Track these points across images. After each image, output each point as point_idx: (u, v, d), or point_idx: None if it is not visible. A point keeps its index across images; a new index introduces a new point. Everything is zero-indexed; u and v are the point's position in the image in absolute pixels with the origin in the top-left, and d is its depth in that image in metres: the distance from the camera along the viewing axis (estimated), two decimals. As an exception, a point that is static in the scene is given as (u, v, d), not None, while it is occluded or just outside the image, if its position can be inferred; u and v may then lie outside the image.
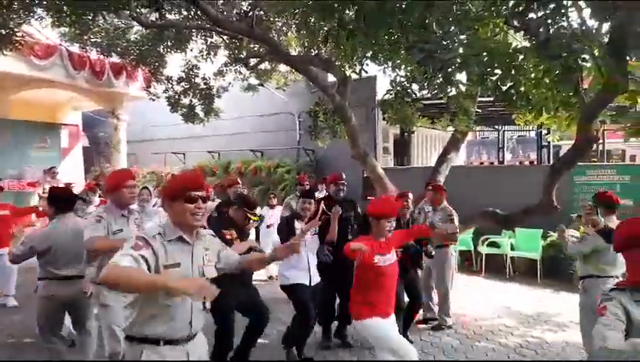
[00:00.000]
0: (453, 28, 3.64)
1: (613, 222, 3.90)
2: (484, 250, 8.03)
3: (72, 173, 11.69)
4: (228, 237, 3.76)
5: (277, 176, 11.34)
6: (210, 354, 3.70)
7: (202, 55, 8.59)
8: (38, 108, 11.80)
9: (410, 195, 4.82)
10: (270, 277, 7.17)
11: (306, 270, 4.24)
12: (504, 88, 3.81)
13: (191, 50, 8.59)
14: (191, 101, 8.91)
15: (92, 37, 7.93)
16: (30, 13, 6.90)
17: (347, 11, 4.44)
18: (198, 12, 7.14)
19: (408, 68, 5.01)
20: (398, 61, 4.79)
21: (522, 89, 4.00)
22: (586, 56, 3.30)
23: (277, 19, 7.91)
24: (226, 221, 4.03)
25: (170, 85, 8.79)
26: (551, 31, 3.32)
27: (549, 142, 11.32)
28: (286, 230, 4.27)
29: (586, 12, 3.76)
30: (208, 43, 8.53)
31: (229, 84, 9.31)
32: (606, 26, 3.66)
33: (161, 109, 9.54)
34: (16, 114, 10.78)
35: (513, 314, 5.90)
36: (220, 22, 6.37)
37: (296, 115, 12.08)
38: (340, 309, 4.70)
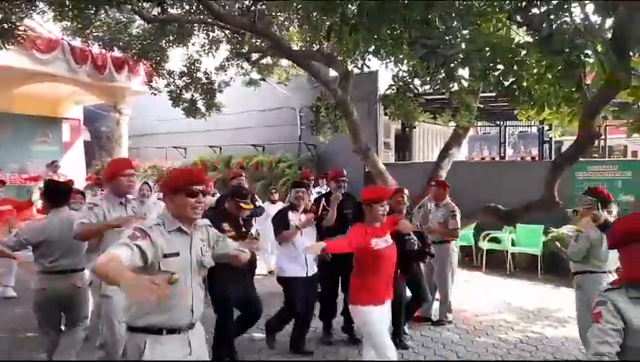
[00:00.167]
0: (455, 23, 3.63)
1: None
2: (485, 245, 8.04)
3: (73, 167, 11.73)
4: (227, 231, 3.81)
5: (278, 171, 11.34)
6: (210, 344, 3.79)
7: (204, 49, 8.58)
8: (40, 102, 11.81)
9: (406, 191, 4.81)
10: (270, 272, 7.20)
11: (302, 262, 4.29)
12: (506, 84, 3.80)
13: (193, 44, 8.58)
14: (192, 95, 8.90)
15: (94, 31, 7.93)
16: (32, 7, 6.90)
17: (350, 6, 4.44)
18: (200, 6, 7.14)
19: (410, 63, 5.00)
20: (401, 56, 4.78)
21: (525, 84, 3.99)
22: (589, 52, 3.29)
23: (279, 13, 7.90)
24: (221, 214, 4.08)
25: (171, 80, 8.78)
26: (554, 26, 3.31)
27: (550, 138, 11.30)
28: (280, 222, 4.34)
29: (589, 7, 3.75)
30: (210, 37, 8.53)
31: (231, 78, 9.31)
32: (609, 22, 3.65)
33: (163, 104, 9.54)
34: (18, 108, 10.81)
35: (513, 309, 5.92)
36: (222, 16, 6.36)
37: (297, 110, 12.07)
38: (345, 304, 4.72)
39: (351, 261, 3.43)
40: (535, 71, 4.09)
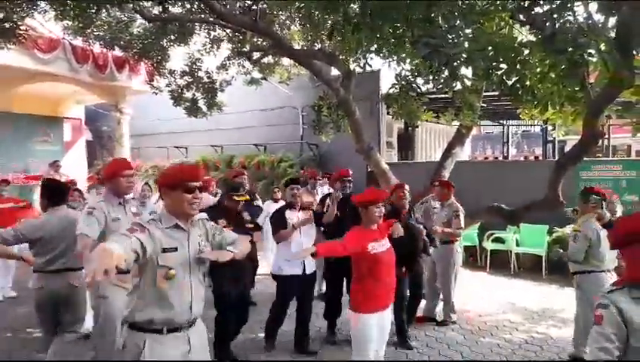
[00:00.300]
0: (458, 22, 3.61)
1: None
2: (489, 245, 8.01)
3: (75, 166, 11.74)
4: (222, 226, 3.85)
5: (280, 171, 11.32)
6: (212, 342, 3.79)
7: (205, 49, 8.54)
8: (41, 101, 11.81)
9: (407, 187, 4.78)
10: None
11: (299, 261, 4.29)
12: (509, 83, 3.78)
13: (194, 43, 8.56)
14: (194, 95, 8.88)
15: (95, 30, 7.89)
16: (34, 6, 6.89)
17: (352, 5, 4.41)
18: (202, 5, 7.12)
19: (413, 62, 4.97)
20: (403, 55, 4.75)
21: (528, 83, 3.96)
22: (592, 51, 3.26)
23: (280, 12, 7.87)
24: (219, 211, 4.13)
25: (173, 79, 8.75)
26: (557, 25, 3.28)
27: (554, 138, 11.27)
28: (278, 221, 4.36)
29: (593, 6, 3.72)
30: (211, 36, 8.49)
31: (232, 77, 9.27)
32: (612, 21, 3.62)
33: (164, 103, 9.53)
34: (19, 107, 10.82)
35: (518, 309, 5.89)
36: (223, 15, 6.33)
37: (299, 109, 12.05)
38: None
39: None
40: (538, 70, 4.06)
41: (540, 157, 11.47)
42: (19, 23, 6.82)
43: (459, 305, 5.48)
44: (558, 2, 3.37)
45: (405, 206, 4.66)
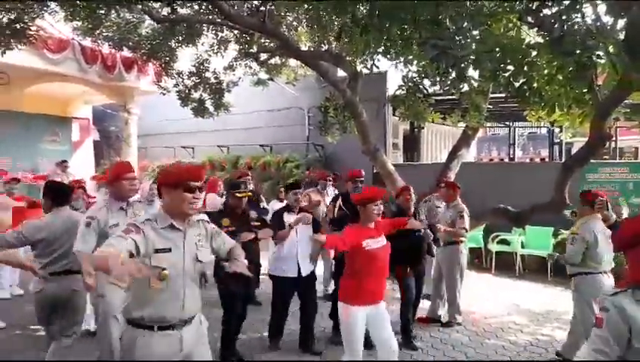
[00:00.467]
0: (466, 24, 3.62)
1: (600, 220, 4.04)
2: (494, 247, 8.00)
3: (82, 166, 11.82)
4: (225, 226, 3.93)
5: (286, 171, 11.34)
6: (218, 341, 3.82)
7: (213, 49, 8.60)
8: (51, 101, 11.91)
9: (412, 189, 4.84)
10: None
11: (294, 262, 4.34)
12: (517, 84, 3.79)
13: (202, 44, 8.61)
14: (201, 95, 8.93)
15: (104, 31, 7.97)
16: (44, 7, 6.97)
17: (359, 7, 4.44)
18: (209, 6, 7.17)
19: (420, 64, 4.99)
20: (410, 57, 4.77)
21: (535, 85, 3.97)
22: (601, 53, 3.27)
23: (288, 14, 7.91)
24: (224, 211, 4.24)
25: (180, 79, 8.81)
26: (565, 27, 3.29)
27: (560, 139, 11.22)
28: (276, 222, 4.43)
29: (601, 8, 3.72)
30: (219, 37, 8.54)
31: (239, 78, 9.32)
32: (621, 23, 3.62)
33: (171, 103, 9.59)
34: (28, 107, 10.91)
35: (523, 311, 5.88)
36: (232, 16, 6.37)
37: (305, 110, 12.07)
38: None
39: None
40: (546, 72, 4.06)
41: (546, 159, 11.41)
42: (29, 24, 6.90)
43: (464, 307, 5.47)
44: (567, 4, 3.38)
45: (411, 208, 4.71)
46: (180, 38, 8.19)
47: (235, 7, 7.19)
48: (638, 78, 3.68)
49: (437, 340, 4.86)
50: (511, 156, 12.35)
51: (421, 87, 5.90)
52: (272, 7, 7.11)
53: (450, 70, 3.44)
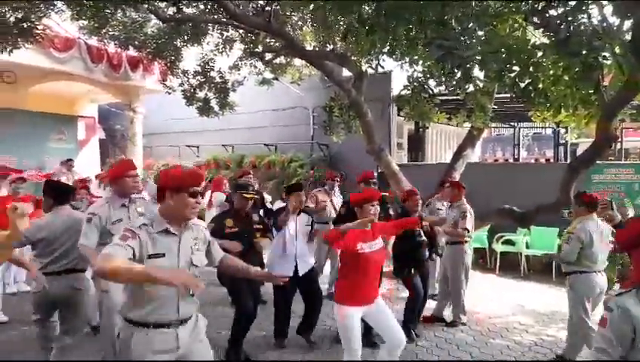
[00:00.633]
0: (471, 24, 3.62)
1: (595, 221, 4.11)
2: (498, 247, 7.99)
3: (88, 164, 11.86)
4: (228, 227, 4.03)
5: (290, 171, 11.37)
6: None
7: (218, 49, 8.64)
8: (57, 100, 11.96)
9: (418, 193, 4.90)
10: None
11: (292, 261, 4.38)
12: (522, 85, 3.79)
13: (207, 43, 8.64)
14: (206, 95, 8.99)
15: (110, 30, 8.02)
16: (51, 6, 7.02)
17: (365, 7, 4.45)
18: (215, 6, 7.19)
19: (426, 64, 4.99)
20: (416, 57, 4.78)
21: (540, 86, 3.97)
22: (607, 54, 3.26)
23: (293, 13, 7.92)
24: (228, 212, 4.29)
25: (185, 79, 8.87)
26: (571, 28, 3.29)
27: (566, 140, 11.18)
28: (280, 212, 4.51)
29: (608, 9, 3.71)
30: (224, 37, 8.58)
31: (244, 78, 9.35)
32: (628, 24, 3.61)
33: (177, 102, 9.64)
34: (34, 105, 10.95)
35: (528, 312, 5.88)
36: (237, 16, 6.40)
37: (310, 110, 12.09)
38: None
39: None
40: (551, 72, 4.06)
41: (551, 160, 11.38)
42: (36, 23, 6.95)
43: (468, 307, 5.47)
44: (573, 4, 3.37)
45: (418, 211, 4.77)
46: (186, 38, 8.24)
47: (241, 7, 7.21)
48: (644, 78, 3.68)
49: (441, 340, 4.87)
50: (515, 157, 12.32)
51: (426, 87, 5.90)
52: (278, 6, 7.12)
53: (456, 70, 3.45)
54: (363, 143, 7.38)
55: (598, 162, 6.07)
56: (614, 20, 3.59)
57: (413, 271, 4.70)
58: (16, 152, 10.60)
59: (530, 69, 3.70)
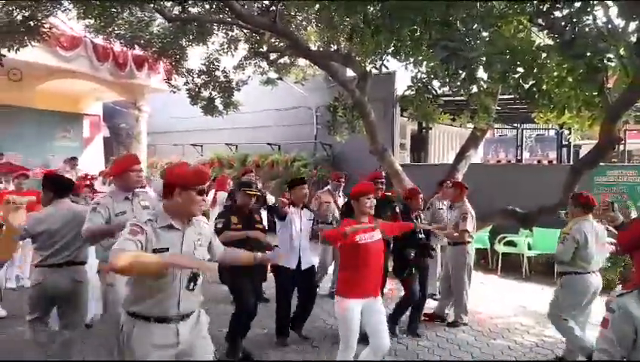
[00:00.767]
0: (476, 25, 3.64)
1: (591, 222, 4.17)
2: (500, 248, 7.99)
3: (92, 162, 11.92)
4: (219, 226, 4.06)
5: (294, 170, 11.40)
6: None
7: (223, 48, 8.67)
8: (62, 98, 12.02)
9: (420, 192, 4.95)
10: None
11: (295, 254, 4.43)
12: (526, 86, 3.80)
13: (212, 43, 8.68)
14: (211, 94, 9.01)
15: (116, 29, 8.06)
16: (57, 5, 7.06)
17: (370, 8, 4.47)
18: (220, 6, 7.22)
19: (430, 64, 5.01)
20: (420, 57, 4.80)
21: (544, 87, 3.98)
22: (612, 56, 3.27)
23: (298, 13, 7.95)
24: (232, 209, 4.33)
25: (190, 78, 8.90)
26: (576, 29, 3.30)
27: (569, 142, 11.17)
28: (282, 215, 4.53)
29: (613, 11, 3.72)
30: (229, 36, 8.61)
31: (249, 77, 9.38)
32: (633, 25, 3.61)
33: (181, 101, 9.68)
34: (40, 103, 11.03)
35: (529, 313, 5.89)
36: (243, 16, 6.43)
37: (314, 110, 12.12)
38: None
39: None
40: (556, 74, 4.07)
41: (554, 162, 11.37)
42: (43, 22, 6.99)
43: (470, 307, 5.48)
44: (578, 6, 3.38)
45: (420, 209, 4.85)
46: (191, 37, 8.27)
47: (246, 7, 7.25)
48: (649, 81, 3.69)
49: (443, 340, 4.89)
50: (518, 158, 12.32)
51: (430, 87, 5.91)
52: (283, 7, 7.15)
53: (460, 72, 3.46)
54: (366, 143, 7.40)
55: (601, 164, 6.08)
56: (619, 22, 3.60)
57: (413, 271, 4.73)
58: (22, 150, 10.68)
59: (535, 70, 3.71)
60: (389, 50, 4.85)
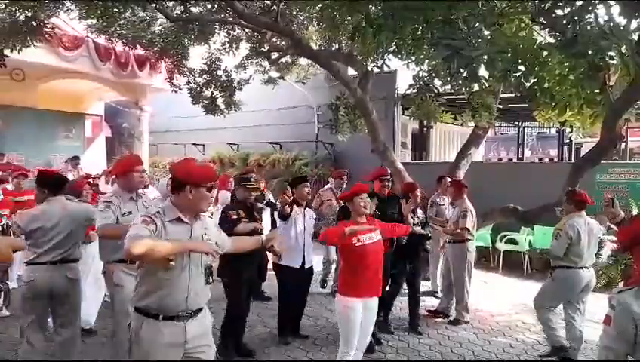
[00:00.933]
0: (477, 24, 3.65)
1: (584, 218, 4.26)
2: (502, 246, 8.01)
3: (95, 162, 11.95)
4: (234, 217, 4.03)
5: (295, 169, 11.43)
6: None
7: (225, 48, 8.68)
8: (64, 98, 12.05)
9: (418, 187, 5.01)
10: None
11: (299, 253, 4.44)
12: (527, 85, 3.81)
13: (214, 42, 8.69)
14: (212, 93, 9.02)
15: (118, 29, 8.07)
16: (60, 5, 7.07)
17: (372, 7, 4.48)
18: (222, 5, 7.24)
19: (431, 63, 5.02)
20: (422, 56, 4.80)
21: (546, 85, 3.99)
22: (613, 54, 3.28)
23: (300, 13, 7.96)
24: (234, 205, 4.32)
25: (192, 77, 8.92)
26: (578, 28, 3.30)
27: (570, 140, 11.19)
28: (285, 215, 4.52)
29: (615, 9, 3.72)
30: (231, 36, 8.63)
31: (250, 76, 9.40)
32: (635, 24, 3.62)
33: (182, 101, 9.70)
34: (42, 103, 11.04)
35: (531, 310, 5.82)
36: (244, 15, 6.44)
37: (315, 108, 12.13)
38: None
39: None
40: (557, 72, 4.08)
41: (555, 160, 11.39)
42: (45, 22, 7.01)
43: (471, 305, 5.51)
44: (580, 4, 3.39)
45: (418, 204, 4.92)
46: (193, 37, 8.28)
47: (247, 6, 7.26)
48: (650, 79, 3.70)
49: (444, 337, 4.91)
50: (520, 156, 12.34)
51: (431, 86, 5.93)
52: (284, 6, 7.16)
53: (462, 70, 3.47)
54: (367, 142, 7.42)
55: (602, 162, 6.10)
56: (621, 20, 3.61)
57: (407, 267, 4.79)
58: (24, 150, 10.70)
59: (536, 68, 3.72)
60: (391, 49, 4.85)
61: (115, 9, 6.79)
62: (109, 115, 14.47)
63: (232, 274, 4.11)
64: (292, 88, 11.30)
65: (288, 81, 10.35)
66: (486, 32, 3.71)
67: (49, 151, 11.42)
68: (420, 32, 4.17)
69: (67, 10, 7.36)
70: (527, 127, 12.99)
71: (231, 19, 7.45)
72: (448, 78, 4.99)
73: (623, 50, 3.35)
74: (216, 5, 7.58)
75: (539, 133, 13.52)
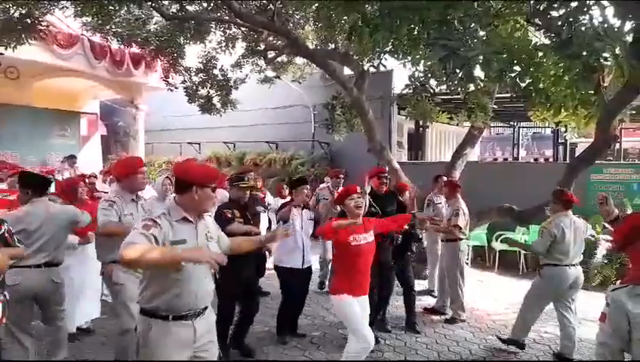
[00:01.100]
0: (473, 25, 3.67)
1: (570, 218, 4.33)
2: (497, 246, 8.04)
3: (90, 161, 11.91)
4: (229, 215, 4.03)
5: (291, 168, 11.43)
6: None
7: (221, 47, 8.67)
8: (59, 96, 12.00)
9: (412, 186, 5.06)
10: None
11: (300, 253, 4.46)
12: (523, 85, 3.83)
13: (210, 41, 8.68)
14: (208, 92, 9.01)
15: (113, 27, 8.04)
16: (55, 2, 7.05)
17: (368, 6, 4.49)
18: (218, 4, 7.23)
19: (427, 63, 5.03)
20: (418, 56, 4.82)
21: (541, 86, 4.02)
22: (608, 55, 3.30)
23: (296, 12, 7.96)
24: (229, 204, 4.33)
25: (188, 76, 8.90)
26: (573, 29, 3.33)
27: (565, 140, 11.25)
28: (283, 206, 4.60)
29: (609, 10, 3.75)
30: (227, 35, 8.61)
31: (246, 75, 9.39)
32: (629, 25, 3.65)
33: (179, 100, 9.67)
34: (37, 102, 10.99)
35: (526, 309, 5.93)
36: (240, 14, 6.44)
37: (311, 108, 12.14)
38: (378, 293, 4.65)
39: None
40: (552, 73, 4.10)
41: (551, 160, 11.45)
42: (40, 19, 6.98)
43: (468, 304, 5.54)
44: (574, 5, 3.42)
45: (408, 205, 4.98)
46: (189, 35, 8.26)
47: (244, 5, 7.25)
48: (644, 80, 3.73)
49: (441, 336, 4.93)
50: (515, 156, 12.39)
51: (427, 86, 5.95)
52: (281, 5, 7.16)
53: (458, 70, 3.49)
54: (363, 141, 7.43)
55: (597, 162, 6.14)
56: (615, 22, 3.63)
57: (398, 264, 4.82)
58: (19, 148, 10.64)
59: (531, 69, 3.74)
60: (387, 49, 4.86)
61: (111, 7, 6.76)
62: (105, 113, 14.41)
63: (224, 277, 4.08)
64: (288, 87, 11.30)
65: (284, 80, 10.34)
66: (482, 33, 3.73)
67: (44, 149, 11.36)
68: (416, 32, 4.18)
69: (62, 7, 7.35)
70: (523, 127, 13.05)
71: (227, 18, 7.44)
72: (444, 78, 5.02)
73: (617, 51, 3.38)
74: (212, 4, 7.57)
75: (534, 133, 13.60)
